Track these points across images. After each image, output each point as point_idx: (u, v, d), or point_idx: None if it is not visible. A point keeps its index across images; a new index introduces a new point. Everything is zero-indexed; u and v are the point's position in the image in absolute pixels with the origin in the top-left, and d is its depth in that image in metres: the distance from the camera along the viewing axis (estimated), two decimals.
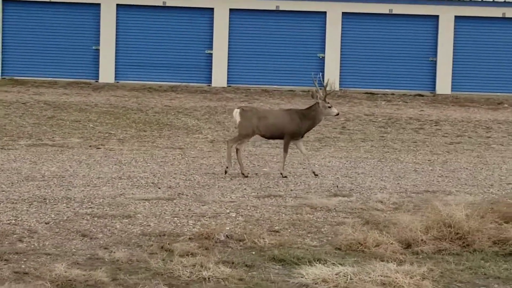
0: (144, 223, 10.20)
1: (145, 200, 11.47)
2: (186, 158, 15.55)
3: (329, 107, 13.92)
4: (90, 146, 16.88)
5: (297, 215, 10.84)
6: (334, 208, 11.34)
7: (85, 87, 27.11)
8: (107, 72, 28.46)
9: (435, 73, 28.62)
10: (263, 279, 8.08)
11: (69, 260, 8.44)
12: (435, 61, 28.62)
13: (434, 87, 28.51)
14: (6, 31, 28.77)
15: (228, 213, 10.90)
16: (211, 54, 28.63)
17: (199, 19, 28.71)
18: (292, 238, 9.64)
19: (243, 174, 13.72)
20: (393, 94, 27.87)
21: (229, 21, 28.59)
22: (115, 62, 28.61)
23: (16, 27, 28.78)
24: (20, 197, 11.48)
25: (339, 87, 27.70)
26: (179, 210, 10.98)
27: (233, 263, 8.46)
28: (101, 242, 9.25)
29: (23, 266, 8.24)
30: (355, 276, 7.96)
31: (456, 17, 28.47)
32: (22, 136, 17.88)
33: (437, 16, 28.46)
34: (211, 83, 28.42)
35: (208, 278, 7.99)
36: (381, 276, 7.97)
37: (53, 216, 10.40)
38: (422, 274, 8.10)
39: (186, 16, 28.75)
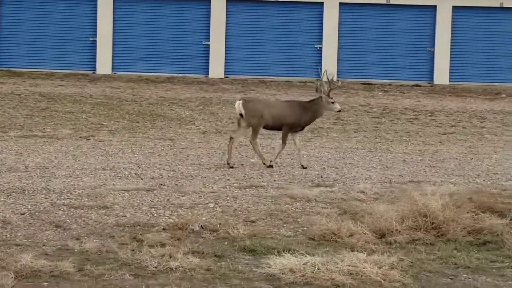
0: (120, 213, 10.14)
1: (125, 191, 11.38)
2: (174, 149, 15.44)
3: (332, 102, 13.81)
4: (80, 137, 16.78)
5: (276, 205, 10.75)
6: (314, 199, 11.23)
7: (82, 78, 27.01)
8: (104, 64, 28.40)
9: (433, 63, 28.45)
10: (231, 269, 8.04)
11: (38, 251, 8.41)
12: (433, 51, 28.45)
13: (432, 78, 28.38)
14: (3, 22, 28.73)
15: (207, 203, 10.81)
16: (208, 45, 28.55)
17: (196, 10, 28.61)
18: (267, 229, 9.58)
19: (228, 164, 13.66)
20: (390, 84, 27.73)
21: (226, 12, 28.48)
22: (112, 53, 28.55)
23: (14, 18, 28.71)
24: None
25: (337, 77, 27.55)
26: (158, 200, 10.90)
27: (202, 253, 8.43)
28: (74, 233, 9.21)
29: None
30: (323, 266, 7.90)
31: (453, 7, 28.29)
32: (13, 127, 17.77)
33: (435, 6, 28.29)
34: (208, 74, 28.35)
35: (175, 268, 7.94)
36: (349, 266, 7.93)
37: (29, 207, 10.35)
38: (391, 264, 8.05)
39: (183, 7, 28.66)
